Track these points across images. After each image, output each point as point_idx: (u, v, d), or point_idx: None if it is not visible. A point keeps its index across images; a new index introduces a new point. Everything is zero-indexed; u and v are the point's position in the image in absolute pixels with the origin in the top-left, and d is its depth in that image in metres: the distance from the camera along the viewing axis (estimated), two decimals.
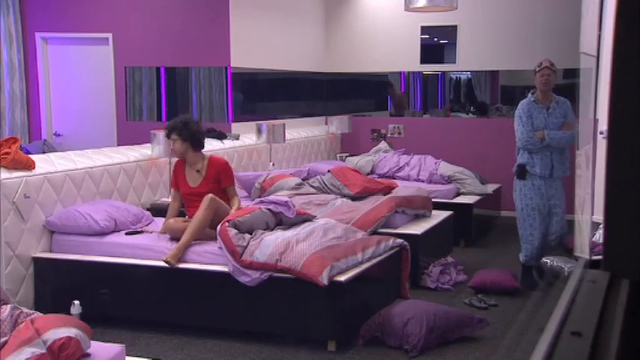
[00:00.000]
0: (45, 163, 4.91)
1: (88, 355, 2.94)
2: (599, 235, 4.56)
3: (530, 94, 5.35)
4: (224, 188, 4.98)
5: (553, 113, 5.26)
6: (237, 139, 7.13)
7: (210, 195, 4.73)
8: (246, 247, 4.38)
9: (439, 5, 6.80)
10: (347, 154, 8.87)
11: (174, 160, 5.26)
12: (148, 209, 5.57)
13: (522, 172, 5.33)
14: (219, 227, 4.47)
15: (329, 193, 6.41)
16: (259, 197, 5.70)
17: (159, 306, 4.53)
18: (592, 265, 1.21)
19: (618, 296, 1.02)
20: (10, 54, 7.75)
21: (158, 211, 5.58)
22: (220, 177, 4.97)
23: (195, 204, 4.79)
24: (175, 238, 4.65)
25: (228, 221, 4.46)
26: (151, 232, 4.90)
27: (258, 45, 7.72)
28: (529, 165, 5.29)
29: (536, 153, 5.26)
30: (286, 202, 4.90)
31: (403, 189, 6.47)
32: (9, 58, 7.75)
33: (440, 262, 5.65)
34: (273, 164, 7.33)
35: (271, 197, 5.09)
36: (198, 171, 4.97)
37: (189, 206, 4.97)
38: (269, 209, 4.81)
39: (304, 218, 4.97)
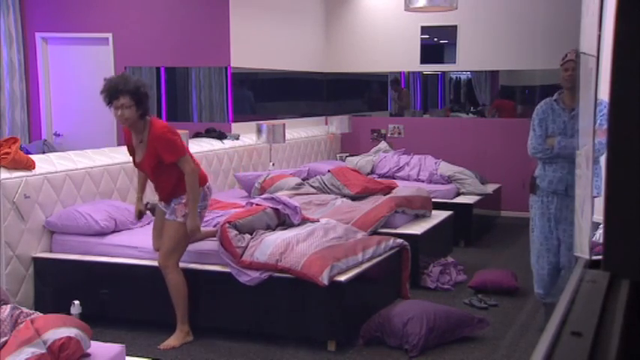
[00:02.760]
0: (45, 163, 4.91)
1: (88, 355, 2.94)
2: (599, 235, 4.57)
3: (556, 94, 4.50)
4: (168, 163, 4.19)
5: (578, 117, 4.73)
6: (237, 139, 7.13)
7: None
8: (245, 247, 4.38)
9: (439, 5, 6.79)
10: (347, 154, 8.87)
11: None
12: (148, 209, 5.56)
13: (533, 185, 4.55)
14: (219, 229, 4.47)
15: (329, 193, 6.41)
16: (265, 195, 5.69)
17: (159, 306, 4.53)
18: (592, 265, 1.21)
19: (618, 296, 1.02)
20: (10, 54, 7.75)
21: None
22: (161, 153, 4.16)
23: (151, 176, 4.33)
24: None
25: (229, 222, 4.45)
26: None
27: (258, 45, 7.72)
28: (540, 178, 4.47)
29: (550, 164, 4.41)
30: (296, 207, 4.90)
31: (403, 189, 6.47)
32: (9, 58, 7.75)
33: (440, 262, 5.65)
34: (273, 164, 7.33)
35: (283, 198, 5.04)
36: (141, 141, 4.24)
37: (143, 174, 4.47)
38: (277, 209, 4.81)
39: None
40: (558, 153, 4.34)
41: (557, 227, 4.38)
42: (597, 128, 4.14)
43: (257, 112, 7.96)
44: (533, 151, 4.46)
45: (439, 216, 6.11)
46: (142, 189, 4.53)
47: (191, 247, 4.56)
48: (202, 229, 4.51)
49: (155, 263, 4.56)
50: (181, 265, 4.48)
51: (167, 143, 4.15)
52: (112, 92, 4.13)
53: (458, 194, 7.27)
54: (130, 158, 4.50)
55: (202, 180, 4.35)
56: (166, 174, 4.27)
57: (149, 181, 4.50)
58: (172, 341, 4.29)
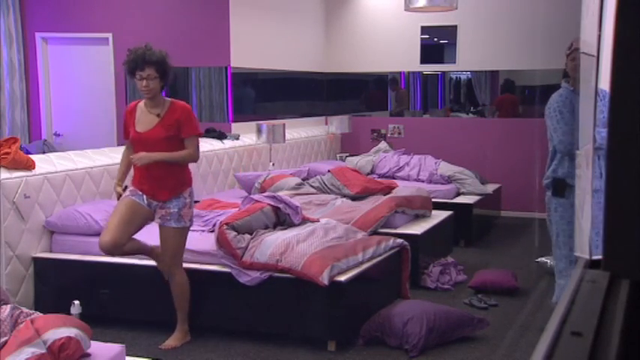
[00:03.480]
0: (45, 163, 4.91)
1: (88, 355, 2.94)
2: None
3: (564, 82, 4.12)
4: (183, 139, 4.14)
5: (597, 106, 4.28)
6: (237, 139, 7.13)
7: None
8: (245, 248, 4.38)
9: (439, 5, 6.79)
10: (347, 154, 8.87)
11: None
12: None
13: (561, 188, 4.03)
14: (216, 230, 4.46)
15: (329, 193, 6.41)
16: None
17: (159, 306, 4.53)
18: (592, 265, 1.20)
19: (618, 296, 1.02)
20: (10, 54, 7.75)
21: None
22: (182, 124, 4.11)
23: (144, 151, 4.09)
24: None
25: (226, 224, 4.45)
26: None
27: (258, 45, 7.72)
28: (570, 177, 3.97)
29: (574, 159, 3.96)
30: (297, 207, 4.89)
31: (403, 189, 6.47)
32: (9, 58, 7.75)
33: (440, 262, 5.65)
34: (273, 164, 7.33)
35: (284, 197, 5.04)
36: (158, 115, 4.12)
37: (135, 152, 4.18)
38: (275, 207, 4.80)
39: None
40: (601, 144, 3.99)
41: None
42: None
43: (257, 112, 7.96)
44: (569, 147, 3.91)
45: (439, 216, 6.11)
46: (123, 177, 4.27)
47: (192, 247, 4.56)
48: (140, 243, 4.24)
49: (155, 263, 4.56)
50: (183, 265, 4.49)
51: (192, 117, 4.21)
52: (138, 62, 4.03)
53: (458, 194, 7.27)
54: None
55: (189, 181, 4.27)
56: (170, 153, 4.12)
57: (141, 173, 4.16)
58: (173, 341, 4.29)
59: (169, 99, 4.22)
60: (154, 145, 4.09)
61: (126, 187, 4.25)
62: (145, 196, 4.16)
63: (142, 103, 4.20)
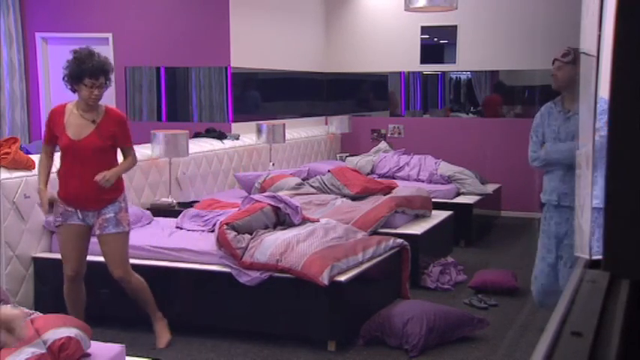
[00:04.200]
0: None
1: (88, 355, 2.94)
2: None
3: (559, 97, 4.16)
4: (120, 147, 4.07)
5: (573, 119, 3.95)
6: (237, 139, 7.13)
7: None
8: (245, 248, 4.38)
9: (439, 5, 6.79)
10: (347, 154, 8.87)
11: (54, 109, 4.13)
12: (147, 209, 5.56)
13: (539, 199, 4.26)
14: (217, 230, 4.46)
15: (329, 193, 6.41)
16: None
17: (159, 306, 4.52)
18: (592, 265, 1.21)
19: (618, 296, 1.02)
20: (10, 54, 7.75)
21: (158, 210, 5.59)
22: (117, 134, 3.99)
23: (79, 159, 3.91)
24: None
25: (227, 224, 4.45)
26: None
27: (258, 45, 7.72)
28: (543, 191, 4.19)
29: (547, 173, 4.15)
30: (297, 207, 4.89)
31: (403, 189, 6.47)
32: (9, 58, 7.75)
33: (440, 262, 5.65)
34: (273, 164, 7.33)
35: (284, 197, 5.04)
36: (93, 121, 3.93)
37: (69, 162, 3.95)
38: (275, 207, 4.80)
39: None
40: (546, 160, 4.05)
41: (558, 242, 4.06)
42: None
43: (257, 112, 7.96)
44: (529, 160, 4.19)
45: (439, 216, 6.11)
46: (45, 180, 4.01)
47: (192, 247, 4.56)
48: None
49: (155, 263, 4.56)
50: (182, 264, 4.49)
51: (128, 127, 4.10)
52: (94, 70, 3.88)
53: (458, 194, 7.27)
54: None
55: (123, 187, 4.15)
56: (104, 163, 3.96)
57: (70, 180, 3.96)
58: (165, 335, 4.29)
59: (103, 104, 4.05)
60: (89, 154, 3.91)
61: (51, 204, 4.00)
62: (77, 212, 3.99)
63: (71, 106, 3.99)
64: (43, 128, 8.03)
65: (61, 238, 4.08)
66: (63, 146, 3.94)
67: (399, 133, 9.10)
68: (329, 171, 6.85)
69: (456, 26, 8.59)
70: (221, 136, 6.93)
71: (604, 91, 1.16)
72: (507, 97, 8.82)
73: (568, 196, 3.92)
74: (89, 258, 4.71)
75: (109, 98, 7.74)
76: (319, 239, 4.50)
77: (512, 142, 8.31)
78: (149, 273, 4.52)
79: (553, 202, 4.05)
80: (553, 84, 4.10)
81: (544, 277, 4.17)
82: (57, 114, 4.00)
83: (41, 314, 3.06)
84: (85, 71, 3.86)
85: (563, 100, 4.07)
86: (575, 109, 3.90)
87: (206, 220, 5.02)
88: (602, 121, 3.75)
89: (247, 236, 4.47)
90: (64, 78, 3.96)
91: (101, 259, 4.66)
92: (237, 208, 5.03)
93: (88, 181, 3.89)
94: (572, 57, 3.92)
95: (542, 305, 4.29)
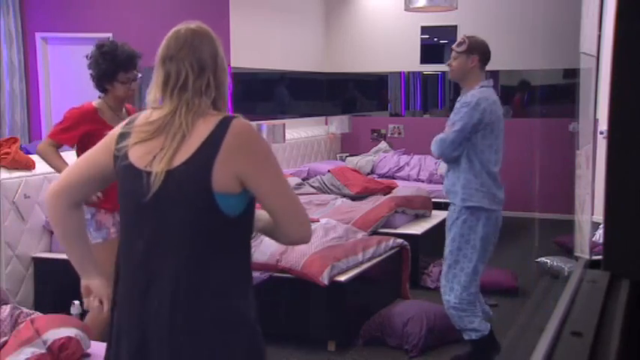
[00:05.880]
0: (45, 163, 4.90)
1: (88, 355, 2.94)
2: (599, 235, 4.56)
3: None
4: None
5: (458, 109, 3.79)
6: None
7: None
8: None
9: (439, 5, 6.80)
10: (347, 154, 8.87)
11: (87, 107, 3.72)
12: None
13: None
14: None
15: (329, 193, 6.41)
16: None
17: None
18: (592, 265, 1.21)
19: (618, 296, 1.02)
20: (10, 54, 7.75)
21: None
22: None
23: None
24: None
25: None
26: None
27: (258, 45, 7.72)
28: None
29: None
30: None
31: (403, 189, 6.48)
32: (9, 58, 7.75)
33: (440, 262, 5.64)
34: None
35: None
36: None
37: None
38: None
39: None
40: (433, 152, 3.95)
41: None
42: (447, 124, 3.81)
43: (257, 112, 7.96)
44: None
45: (439, 216, 6.11)
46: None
47: None
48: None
49: None
50: None
51: None
52: (129, 62, 3.62)
53: None
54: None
55: None
56: None
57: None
58: None
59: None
60: None
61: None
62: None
63: (99, 105, 3.66)
64: (44, 129, 8.02)
65: (114, 253, 3.60)
66: None
67: (399, 133, 9.10)
68: (329, 171, 6.85)
69: (456, 26, 8.59)
70: None
71: (604, 91, 1.16)
72: (510, 96, 8.81)
73: (449, 192, 3.86)
74: None
75: None
76: (319, 239, 4.50)
77: (512, 142, 8.28)
78: None
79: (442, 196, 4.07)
80: (449, 74, 3.93)
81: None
82: (91, 112, 3.60)
83: (41, 314, 3.06)
84: (119, 66, 3.58)
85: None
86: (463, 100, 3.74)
87: None
88: (458, 115, 3.69)
89: None
90: (93, 78, 3.61)
91: None
92: None
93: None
94: (466, 46, 3.70)
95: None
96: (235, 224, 1.78)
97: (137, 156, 1.80)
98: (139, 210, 1.80)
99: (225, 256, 1.78)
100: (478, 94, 3.67)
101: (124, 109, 3.70)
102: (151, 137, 1.80)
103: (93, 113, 3.59)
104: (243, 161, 1.75)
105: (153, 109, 1.88)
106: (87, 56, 3.66)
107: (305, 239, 1.87)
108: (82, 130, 3.54)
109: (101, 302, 2.05)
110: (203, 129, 1.78)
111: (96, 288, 2.07)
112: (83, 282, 2.09)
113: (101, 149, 1.91)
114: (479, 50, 3.71)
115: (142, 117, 1.89)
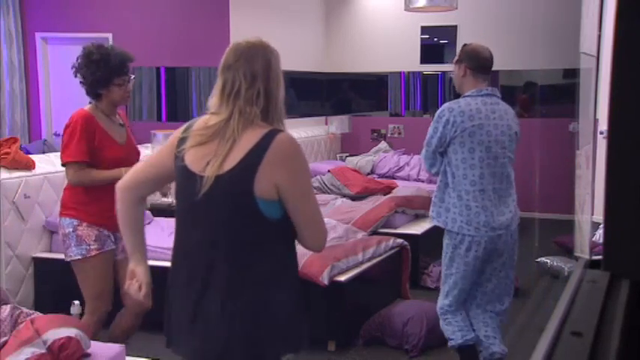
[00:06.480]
0: (45, 163, 4.91)
1: (88, 355, 2.94)
2: (599, 235, 4.56)
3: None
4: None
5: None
6: None
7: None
8: None
9: (439, 5, 6.80)
10: (347, 154, 8.87)
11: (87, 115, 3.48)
12: (148, 209, 5.56)
13: None
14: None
15: (329, 193, 6.41)
16: None
17: (159, 306, 4.52)
18: (592, 265, 1.21)
19: (618, 296, 1.02)
20: (10, 54, 7.75)
21: (158, 211, 5.58)
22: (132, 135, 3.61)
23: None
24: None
25: None
26: None
27: None
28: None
29: None
30: None
31: (403, 189, 6.47)
32: (9, 58, 7.75)
33: (440, 262, 5.65)
34: None
35: None
36: (121, 124, 3.53)
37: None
38: None
39: None
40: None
41: None
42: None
43: None
44: None
45: None
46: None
47: None
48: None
49: (155, 263, 4.54)
50: None
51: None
52: (123, 65, 3.45)
53: None
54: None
55: None
56: None
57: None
58: None
59: None
60: (134, 162, 3.29)
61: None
62: (111, 235, 3.45)
63: (93, 111, 3.47)
64: (44, 129, 8.00)
65: (97, 268, 3.43)
66: (112, 157, 3.38)
67: (399, 133, 9.10)
68: (329, 171, 6.85)
69: (456, 26, 8.59)
70: None
71: (604, 91, 1.15)
72: (510, 97, 8.81)
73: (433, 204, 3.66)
74: None
75: None
76: None
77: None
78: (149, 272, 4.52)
79: None
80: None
81: None
82: (92, 120, 3.41)
83: (41, 314, 3.06)
84: (113, 70, 3.41)
85: None
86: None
87: None
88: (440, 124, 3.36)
89: None
90: (87, 85, 3.46)
91: None
92: None
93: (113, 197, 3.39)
94: (457, 56, 3.64)
95: None
96: (276, 226, 2.01)
97: (192, 159, 2.03)
98: (193, 207, 2.04)
99: (265, 253, 2.02)
100: (448, 105, 3.53)
101: (117, 115, 3.54)
102: (207, 141, 2.02)
103: (92, 119, 3.41)
104: (281, 174, 1.95)
105: (211, 114, 2.07)
106: (74, 65, 3.50)
107: (318, 249, 2.14)
108: (86, 139, 3.36)
109: (140, 288, 2.28)
110: (250, 138, 1.98)
111: (139, 273, 2.29)
112: (130, 266, 2.32)
113: (166, 151, 2.14)
114: (467, 58, 3.57)
115: (201, 121, 2.09)
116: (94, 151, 3.35)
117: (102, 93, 3.45)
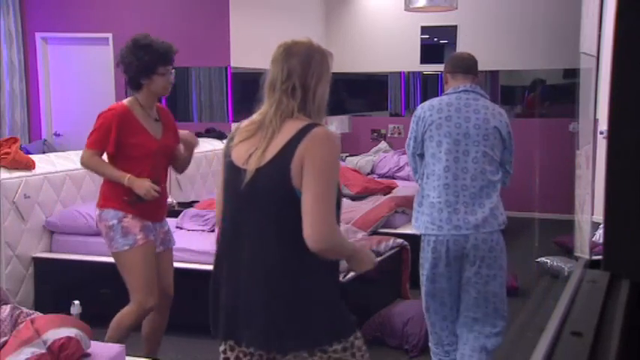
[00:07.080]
0: (45, 163, 4.91)
1: (88, 355, 2.94)
2: (599, 235, 4.56)
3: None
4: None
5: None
6: None
7: None
8: None
9: (439, 5, 6.80)
10: (347, 154, 8.87)
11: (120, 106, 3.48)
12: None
13: None
14: (217, 230, 4.39)
15: None
16: None
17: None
18: (592, 265, 1.21)
19: (618, 296, 1.02)
20: (10, 54, 7.75)
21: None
22: (176, 131, 3.59)
23: (161, 163, 3.50)
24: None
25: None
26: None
27: (258, 45, 7.72)
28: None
29: None
30: None
31: (403, 189, 6.47)
32: (9, 58, 7.75)
33: None
34: None
35: None
36: (156, 119, 3.50)
37: (150, 166, 3.41)
38: None
39: None
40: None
41: None
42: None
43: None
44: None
45: None
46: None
47: (192, 247, 4.55)
48: None
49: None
50: (183, 265, 4.48)
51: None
52: (167, 56, 3.47)
53: None
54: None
55: None
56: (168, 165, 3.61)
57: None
58: None
59: None
60: (169, 156, 3.54)
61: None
62: (153, 226, 3.52)
63: (131, 104, 3.45)
64: (44, 129, 8.00)
65: (142, 259, 3.45)
66: (147, 149, 3.38)
67: (399, 133, 9.10)
68: None
69: (456, 26, 8.59)
70: (221, 136, 6.93)
71: (604, 91, 1.16)
72: (510, 97, 8.81)
73: None
74: (88, 258, 4.72)
75: (109, 98, 7.75)
76: None
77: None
78: None
79: None
80: None
81: None
82: (126, 113, 3.39)
83: (41, 314, 3.06)
84: (159, 59, 3.41)
85: None
86: None
87: (206, 220, 5.02)
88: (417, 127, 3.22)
89: None
90: (129, 73, 3.42)
91: (102, 259, 4.66)
92: None
93: (164, 188, 3.50)
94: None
95: None
96: None
97: (237, 154, 2.17)
98: (239, 198, 2.15)
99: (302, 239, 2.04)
100: (422, 103, 3.43)
101: (155, 108, 3.52)
102: (251, 135, 2.16)
103: (127, 113, 3.39)
104: (307, 160, 2.02)
105: (258, 113, 2.22)
106: (119, 54, 3.47)
107: (312, 245, 2.01)
108: (117, 132, 3.35)
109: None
110: (289, 130, 2.08)
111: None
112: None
113: (222, 167, 2.28)
114: (446, 65, 3.48)
115: (248, 120, 2.24)
116: (125, 143, 3.37)
117: (144, 83, 3.42)
